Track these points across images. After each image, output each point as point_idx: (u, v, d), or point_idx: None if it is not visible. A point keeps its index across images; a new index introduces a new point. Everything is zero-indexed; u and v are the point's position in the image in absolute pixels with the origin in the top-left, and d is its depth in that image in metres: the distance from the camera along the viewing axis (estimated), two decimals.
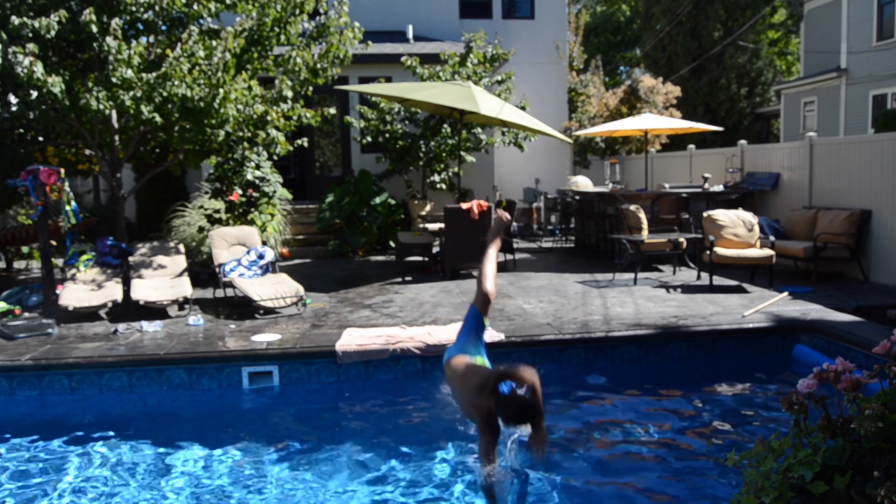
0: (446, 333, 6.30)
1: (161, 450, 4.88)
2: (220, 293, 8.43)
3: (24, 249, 11.21)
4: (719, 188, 11.24)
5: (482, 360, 4.25)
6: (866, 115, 19.63)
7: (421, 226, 11.80)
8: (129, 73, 7.32)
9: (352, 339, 6.19)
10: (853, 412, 1.98)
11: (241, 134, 8.91)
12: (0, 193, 8.96)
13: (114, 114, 8.21)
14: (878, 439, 1.86)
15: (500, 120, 10.09)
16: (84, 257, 8.09)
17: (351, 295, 8.65)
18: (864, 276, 8.87)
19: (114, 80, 7.28)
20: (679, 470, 4.47)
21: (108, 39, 7.20)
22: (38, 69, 6.96)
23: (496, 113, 9.25)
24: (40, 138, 9.02)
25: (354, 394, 5.93)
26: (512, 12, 17.02)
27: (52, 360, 5.84)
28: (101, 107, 7.31)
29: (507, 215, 4.76)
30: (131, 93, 7.38)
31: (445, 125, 12.81)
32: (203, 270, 9.73)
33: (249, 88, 8.38)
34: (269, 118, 8.74)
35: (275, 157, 10.09)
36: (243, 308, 7.77)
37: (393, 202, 12.91)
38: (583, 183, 13.39)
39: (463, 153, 12.65)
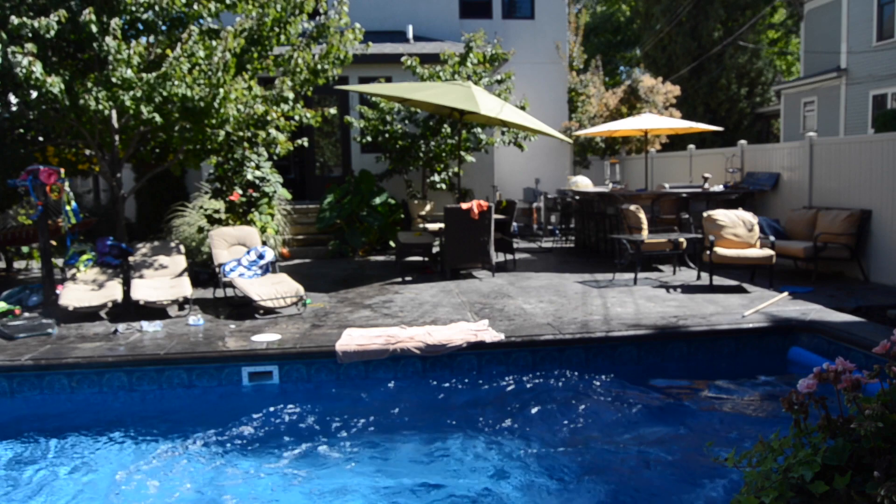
0: (446, 333, 6.30)
1: (161, 450, 4.88)
2: (220, 293, 8.43)
3: (24, 249, 11.21)
4: (719, 188, 11.23)
5: None
6: (866, 115, 19.63)
7: (421, 226, 11.80)
8: (129, 73, 7.32)
9: (352, 339, 6.19)
10: (853, 412, 1.98)
11: (241, 134, 8.91)
12: (0, 193, 8.95)
13: (114, 114, 8.21)
14: (878, 439, 1.86)
15: (500, 120, 10.09)
16: (84, 257, 8.08)
17: (351, 295, 8.65)
18: (864, 276, 8.86)
19: (114, 80, 7.28)
20: (679, 469, 4.47)
21: (108, 39, 7.19)
22: (37, 69, 6.96)
23: (496, 113, 9.25)
24: (40, 138, 9.02)
25: (354, 393, 5.93)
26: (512, 12, 17.02)
27: (52, 360, 5.84)
28: (101, 107, 7.31)
29: None
30: (131, 93, 7.38)
31: (445, 125, 12.81)
32: (203, 270, 9.73)
33: (249, 88, 8.38)
34: (269, 118, 8.74)
35: (275, 157, 10.09)
36: (243, 308, 7.77)
37: (393, 202, 12.91)
38: (583, 183, 13.38)
39: (463, 153, 12.65)
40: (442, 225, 9.83)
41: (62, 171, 8.08)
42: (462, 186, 13.43)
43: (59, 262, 9.01)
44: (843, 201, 9.28)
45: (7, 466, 4.67)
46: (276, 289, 7.62)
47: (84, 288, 7.62)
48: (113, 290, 7.56)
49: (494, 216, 9.76)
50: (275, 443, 4.95)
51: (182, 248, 8.71)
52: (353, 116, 13.43)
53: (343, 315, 7.44)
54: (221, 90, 7.78)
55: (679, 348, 6.41)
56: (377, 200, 12.65)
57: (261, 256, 8.31)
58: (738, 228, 8.65)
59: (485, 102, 9.19)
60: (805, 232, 9.40)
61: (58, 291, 7.74)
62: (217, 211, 9.99)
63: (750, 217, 8.79)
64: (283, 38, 8.87)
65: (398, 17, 15.68)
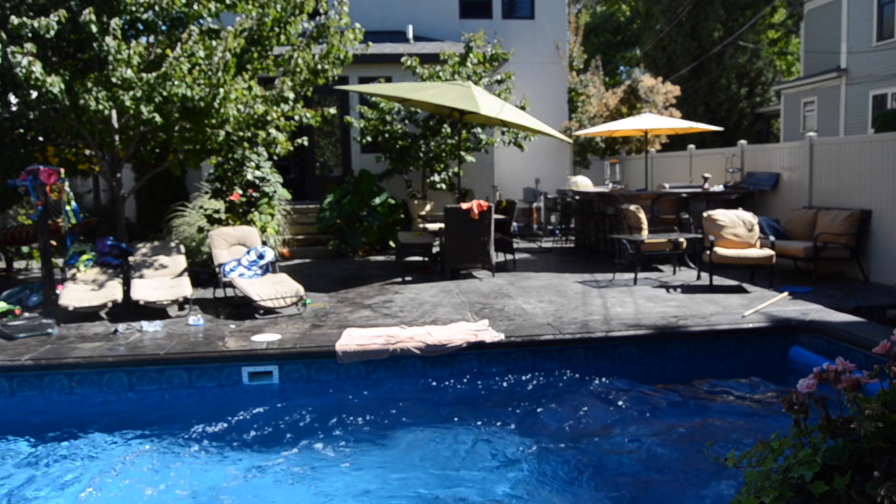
0: (446, 333, 6.30)
1: (161, 450, 4.88)
2: (220, 293, 8.43)
3: (24, 249, 11.20)
4: (719, 188, 11.23)
5: None
6: (866, 115, 19.63)
7: (421, 226, 11.80)
8: (129, 73, 7.32)
9: (352, 339, 6.19)
10: (853, 412, 1.98)
11: (241, 134, 8.91)
12: (0, 193, 8.95)
13: (114, 114, 8.21)
14: (878, 439, 1.86)
15: (500, 120, 10.09)
16: (84, 257, 8.08)
17: (351, 295, 8.65)
18: (864, 276, 8.86)
19: (114, 80, 7.28)
20: (678, 470, 4.47)
21: (108, 39, 7.19)
22: (37, 69, 6.96)
23: (496, 113, 9.25)
24: (40, 138, 9.02)
25: (354, 393, 5.93)
26: (512, 12, 17.01)
27: (52, 360, 5.84)
28: (101, 107, 7.31)
29: None
30: (131, 93, 7.38)
31: (445, 125, 12.81)
32: (203, 270, 9.73)
33: (250, 88, 8.38)
34: (269, 118, 8.74)
35: (275, 157, 10.09)
36: (243, 308, 7.77)
37: (393, 202, 12.91)
38: (583, 183, 13.38)
39: (463, 153, 12.65)
40: (442, 225, 9.83)
41: (62, 171, 8.08)
42: (462, 186, 13.42)
43: (59, 262, 9.00)
44: (843, 201, 9.28)
45: (6, 467, 4.67)
46: (276, 289, 7.62)
47: (84, 288, 7.62)
48: (113, 290, 7.56)
49: (494, 216, 9.76)
50: (275, 443, 4.95)
51: (182, 248, 8.71)
52: (353, 116, 13.43)
53: (343, 315, 7.44)
54: (221, 90, 7.78)
55: (679, 348, 6.41)
56: (377, 200, 12.65)
57: (261, 256, 8.31)
58: (738, 228, 8.65)
59: (485, 102, 9.19)
60: (805, 232, 9.40)
61: (58, 291, 7.74)
62: (217, 211, 9.99)
63: (750, 217, 8.79)
64: (283, 38, 8.87)
65: (398, 17, 15.68)
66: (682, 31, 26.23)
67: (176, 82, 7.48)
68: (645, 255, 9.34)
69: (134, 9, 7.66)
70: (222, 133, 8.58)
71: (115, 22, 7.30)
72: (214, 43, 7.87)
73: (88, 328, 7.01)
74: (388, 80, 13.62)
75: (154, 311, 7.52)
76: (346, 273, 10.52)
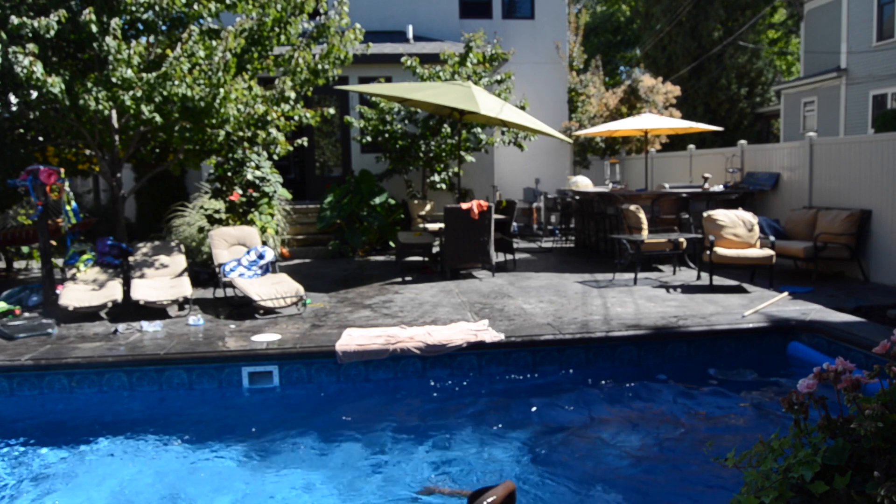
0: (446, 333, 6.30)
1: (160, 450, 4.88)
2: (220, 293, 8.43)
3: (24, 249, 11.20)
4: (719, 188, 11.23)
5: None
6: (866, 115, 19.63)
7: (421, 226, 11.80)
8: (129, 73, 7.32)
9: (352, 339, 6.19)
10: (853, 412, 1.98)
11: (241, 134, 8.91)
12: (0, 193, 8.95)
13: (114, 114, 8.21)
14: (878, 439, 1.86)
15: (500, 120, 10.09)
16: (84, 257, 8.08)
17: (351, 295, 8.65)
18: (864, 276, 8.86)
19: (114, 80, 7.28)
20: (678, 470, 4.47)
21: (108, 39, 7.20)
22: (38, 69, 6.96)
23: (496, 113, 9.25)
24: (40, 138, 9.02)
25: (354, 393, 5.93)
26: (512, 12, 17.01)
27: (52, 360, 5.84)
28: (101, 107, 7.31)
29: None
30: (131, 93, 7.38)
31: (445, 125, 12.81)
32: (203, 270, 9.73)
33: (250, 88, 8.38)
34: (269, 118, 8.74)
35: (275, 157, 10.10)
36: (243, 308, 7.77)
37: (393, 202, 12.91)
38: (583, 183, 13.38)
39: (463, 153, 12.65)
40: (442, 225, 9.82)
41: (62, 171, 8.07)
42: (462, 186, 13.43)
43: (59, 262, 9.00)
44: (843, 201, 9.28)
45: (6, 467, 4.67)
46: (276, 289, 7.62)
47: (84, 288, 7.62)
48: (113, 290, 7.56)
49: (494, 216, 9.76)
50: (275, 443, 4.95)
51: (182, 248, 8.71)
52: (353, 116, 13.43)
53: (343, 315, 7.44)
54: (221, 90, 7.78)
55: (679, 348, 6.41)
56: (377, 200, 12.65)
57: (261, 256, 8.31)
58: (738, 228, 8.65)
59: (485, 102, 9.19)
60: (805, 232, 9.40)
61: (58, 291, 7.74)
62: (217, 211, 10.00)
63: (750, 217, 8.79)
64: (283, 38, 8.88)
65: (398, 17, 15.68)
66: (682, 31, 26.23)
67: (176, 82, 7.48)
68: (645, 255, 9.34)
69: (134, 9, 7.66)
70: (222, 133, 8.58)
71: (115, 22, 7.30)
72: (214, 43, 7.87)
73: (88, 328, 7.01)
74: (388, 80, 13.62)
75: (154, 311, 7.52)
76: (346, 273, 10.52)
